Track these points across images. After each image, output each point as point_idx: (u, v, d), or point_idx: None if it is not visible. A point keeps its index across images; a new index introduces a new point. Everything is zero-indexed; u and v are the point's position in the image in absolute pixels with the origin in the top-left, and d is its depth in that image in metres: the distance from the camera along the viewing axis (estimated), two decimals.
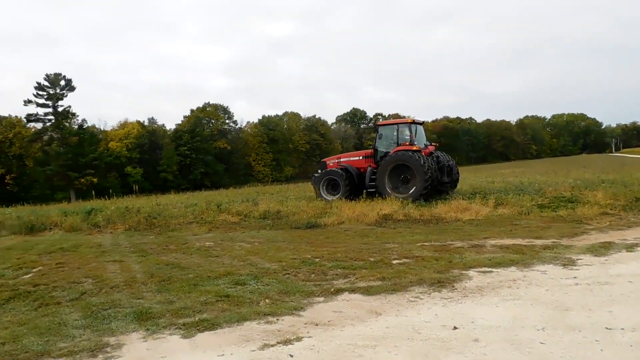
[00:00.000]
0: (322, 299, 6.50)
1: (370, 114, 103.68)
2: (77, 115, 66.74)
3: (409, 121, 17.94)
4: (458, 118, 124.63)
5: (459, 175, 19.06)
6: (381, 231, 12.29)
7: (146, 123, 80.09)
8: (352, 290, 6.78)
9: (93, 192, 32.84)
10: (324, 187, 18.54)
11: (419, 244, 10.04)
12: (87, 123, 69.75)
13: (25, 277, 8.68)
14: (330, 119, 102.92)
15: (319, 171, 19.28)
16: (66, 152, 61.88)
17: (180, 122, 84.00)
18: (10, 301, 7.08)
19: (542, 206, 14.18)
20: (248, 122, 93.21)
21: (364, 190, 17.51)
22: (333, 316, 5.78)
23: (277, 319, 5.70)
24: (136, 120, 78.41)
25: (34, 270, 9.22)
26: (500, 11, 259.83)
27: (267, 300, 6.43)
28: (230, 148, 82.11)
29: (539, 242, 9.79)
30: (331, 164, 19.17)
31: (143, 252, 10.63)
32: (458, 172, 18.70)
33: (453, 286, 6.81)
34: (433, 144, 18.79)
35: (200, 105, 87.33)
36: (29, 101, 62.68)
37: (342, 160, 19.22)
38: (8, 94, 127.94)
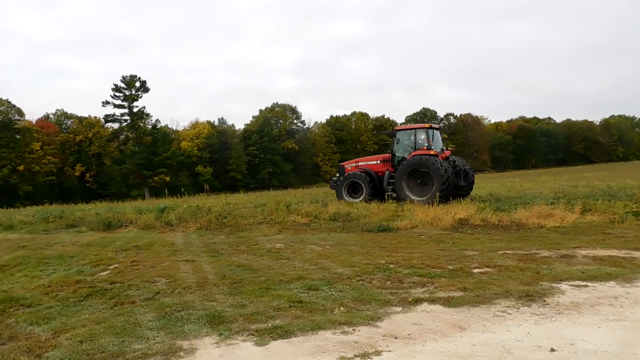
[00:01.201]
0: (399, 308, 6.10)
1: (441, 113, 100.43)
2: (151, 116, 69.48)
3: (426, 126, 18.41)
4: (535, 118, 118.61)
5: (474, 179, 19.26)
6: (458, 237, 11.66)
7: (216, 123, 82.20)
8: (432, 301, 6.34)
9: (166, 190, 34.04)
10: (346, 190, 19.01)
11: (500, 252, 9.38)
12: (160, 123, 72.73)
13: (102, 274, 8.88)
14: (400, 119, 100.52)
15: (337, 175, 19.81)
16: (141, 151, 64.50)
17: (249, 122, 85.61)
18: (88, 298, 7.20)
19: (637, 214, 12.93)
20: (316, 122, 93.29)
21: (385, 194, 18.06)
22: (413, 329, 5.37)
23: (354, 329, 5.37)
24: (206, 120, 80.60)
25: (111, 267, 9.43)
26: (581, 4, 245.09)
27: (341, 308, 6.10)
28: (298, 148, 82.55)
29: (638, 254, 8.86)
30: (349, 168, 19.66)
31: (214, 252, 10.64)
32: (473, 176, 19.00)
33: (544, 301, 6.20)
34: (450, 148, 19.12)
35: (269, 106, 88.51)
36: (107, 102, 65.89)
37: (360, 164, 19.66)
38: (88, 95, 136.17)
